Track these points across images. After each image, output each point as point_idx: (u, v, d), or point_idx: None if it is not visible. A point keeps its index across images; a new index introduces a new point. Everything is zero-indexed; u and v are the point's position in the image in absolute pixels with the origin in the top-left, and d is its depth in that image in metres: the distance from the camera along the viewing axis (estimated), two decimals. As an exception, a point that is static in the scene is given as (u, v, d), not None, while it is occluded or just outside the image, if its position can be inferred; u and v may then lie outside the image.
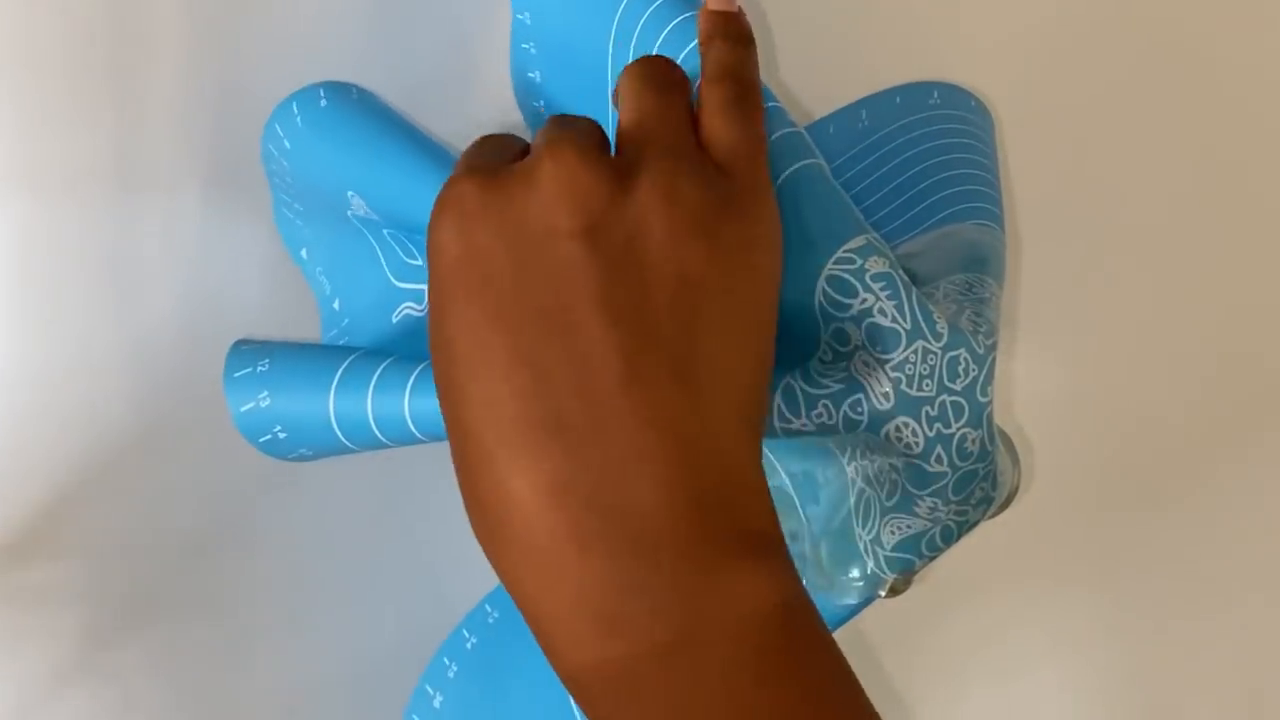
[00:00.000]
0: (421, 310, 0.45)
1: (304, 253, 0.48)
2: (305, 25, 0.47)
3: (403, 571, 0.51)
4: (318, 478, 0.48)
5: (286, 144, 0.45)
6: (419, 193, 0.42)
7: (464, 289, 0.32)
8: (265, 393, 0.42)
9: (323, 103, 0.45)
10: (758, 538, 0.32)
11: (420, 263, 0.45)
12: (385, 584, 0.51)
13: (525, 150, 0.36)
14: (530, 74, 0.47)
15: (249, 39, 0.47)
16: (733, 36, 0.38)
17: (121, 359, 0.47)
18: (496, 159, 0.34)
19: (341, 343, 0.47)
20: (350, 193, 0.44)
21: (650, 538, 0.31)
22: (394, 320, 0.46)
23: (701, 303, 0.32)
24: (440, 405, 0.33)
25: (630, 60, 0.41)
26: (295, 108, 0.45)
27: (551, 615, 0.32)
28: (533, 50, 0.46)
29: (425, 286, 0.45)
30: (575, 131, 0.34)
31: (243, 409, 0.42)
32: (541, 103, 0.48)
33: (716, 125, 0.35)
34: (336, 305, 0.48)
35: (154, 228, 0.47)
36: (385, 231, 0.45)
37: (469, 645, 0.50)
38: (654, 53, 0.40)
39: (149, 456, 0.48)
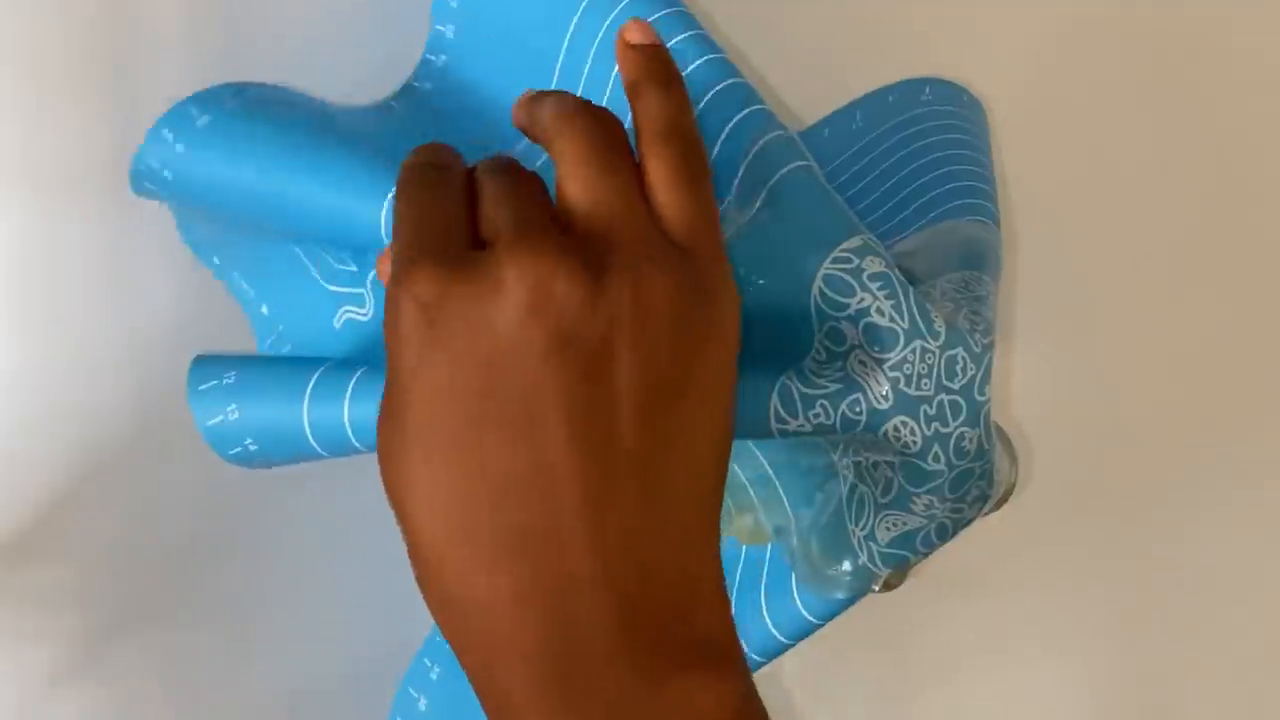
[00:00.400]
0: (364, 314, 0.44)
1: (216, 259, 0.47)
2: (305, 25, 0.47)
3: (401, 572, 0.51)
4: (314, 480, 0.48)
5: (167, 174, 0.43)
6: (343, 206, 0.40)
7: (429, 393, 0.31)
8: (233, 405, 0.41)
9: (201, 120, 0.42)
10: (710, 647, 0.32)
11: (354, 268, 0.44)
12: (383, 584, 0.51)
13: (469, 190, 0.34)
14: (440, 27, 0.46)
15: (249, 39, 0.47)
16: (662, 81, 0.36)
17: (120, 360, 0.47)
18: (448, 233, 0.32)
19: (284, 350, 0.46)
20: (266, 222, 0.44)
21: (605, 649, 0.31)
22: (336, 326, 0.45)
23: (670, 404, 0.32)
24: (390, 496, 0.32)
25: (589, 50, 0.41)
26: (168, 134, 0.42)
27: (505, 704, 0.32)
28: (449, 34, 0.46)
29: (362, 290, 0.45)
30: (540, 215, 0.32)
31: (210, 423, 0.42)
32: (444, 58, 0.46)
33: (671, 200, 0.34)
34: (265, 310, 0.47)
35: (154, 228, 0.47)
36: (310, 241, 0.45)
37: (448, 646, 0.50)
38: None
39: (148, 457, 0.48)
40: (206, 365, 0.42)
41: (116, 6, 0.46)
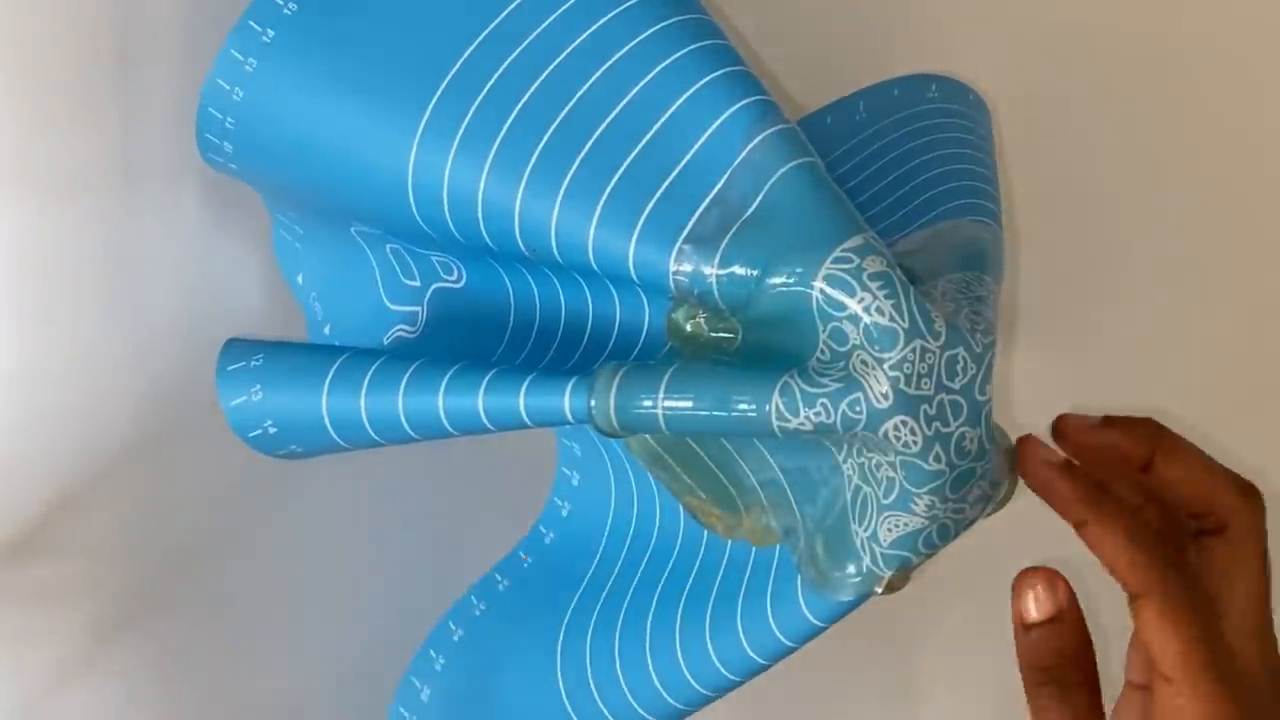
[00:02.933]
0: (413, 332, 0.45)
1: (300, 278, 0.48)
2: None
3: (402, 571, 0.51)
4: (317, 478, 0.48)
5: (227, 146, 0.43)
6: (406, 183, 0.41)
7: None
8: (258, 386, 0.42)
9: (267, 35, 0.42)
10: None
11: (419, 283, 0.45)
12: (384, 584, 0.51)
13: None
14: None
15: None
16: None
17: (121, 359, 0.47)
18: None
19: None
20: (354, 223, 0.44)
21: None
22: (385, 343, 0.46)
23: None
24: None
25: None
26: (236, 52, 0.42)
27: None
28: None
29: (417, 309, 0.45)
30: None
31: (234, 403, 0.42)
32: None
33: None
34: (327, 330, 0.47)
35: (154, 228, 0.47)
36: (389, 247, 0.45)
37: (455, 638, 0.50)
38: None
39: (149, 456, 0.48)
40: (237, 348, 0.43)
41: (117, 6, 0.46)
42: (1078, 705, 0.40)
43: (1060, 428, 0.42)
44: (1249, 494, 0.41)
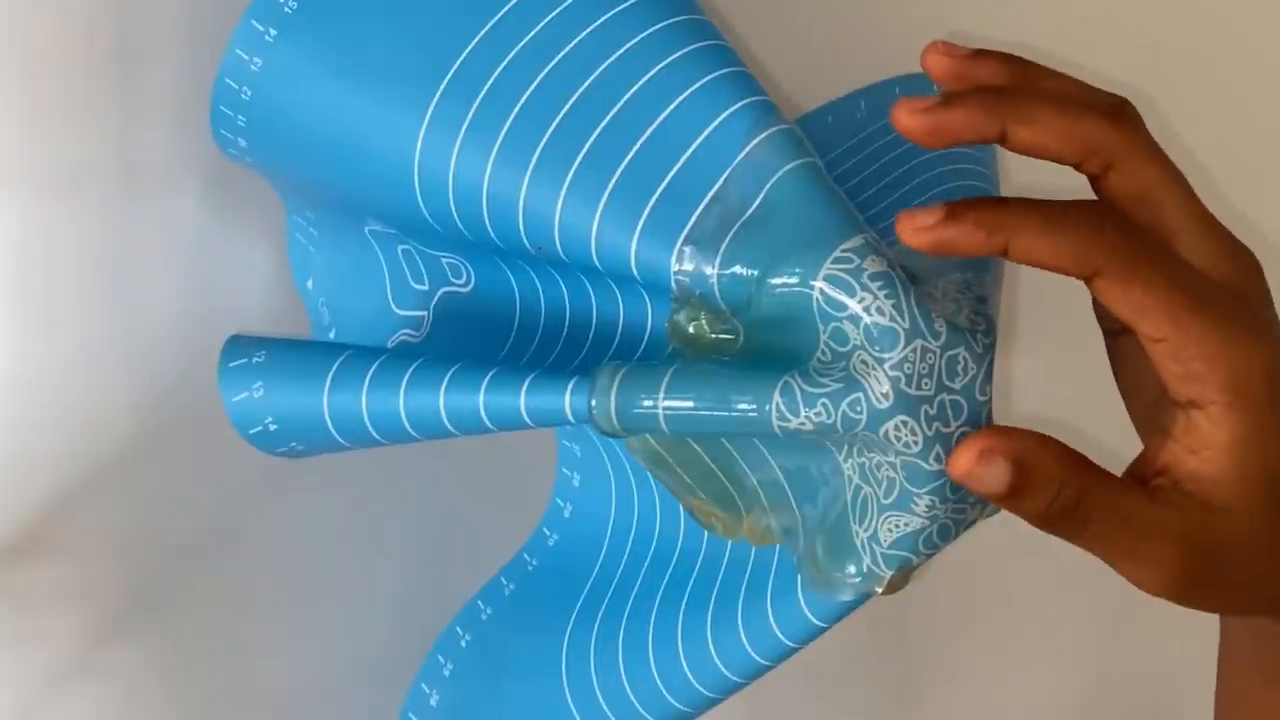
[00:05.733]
0: (418, 336, 0.45)
1: (310, 283, 0.48)
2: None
3: (402, 571, 0.51)
4: (317, 478, 0.48)
5: (242, 142, 0.44)
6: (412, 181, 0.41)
7: None
8: (259, 383, 0.42)
9: (270, 34, 0.42)
10: None
11: (426, 287, 0.45)
12: (385, 584, 0.51)
13: None
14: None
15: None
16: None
17: (121, 359, 0.47)
18: None
19: None
20: (369, 222, 0.44)
21: None
22: (389, 346, 0.46)
23: None
24: None
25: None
26: (242, 53, 0.42)
27: None
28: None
29: (424, 314, 0.45)
30: None
31: (235, 399, 0.42)
32: None
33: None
34: (332, 335, 0.47)
35: (154, 228, 0.47)
36: (401, 248, 0.45)
37: (463, 643, 0.50)
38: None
39: (149, 456, 0.48)
40: (240, 344, 0.43)
41: (117, 6, 0.46)
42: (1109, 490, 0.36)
43: (896, 115, 0.36)
44: (1119, 117, 0.37)
